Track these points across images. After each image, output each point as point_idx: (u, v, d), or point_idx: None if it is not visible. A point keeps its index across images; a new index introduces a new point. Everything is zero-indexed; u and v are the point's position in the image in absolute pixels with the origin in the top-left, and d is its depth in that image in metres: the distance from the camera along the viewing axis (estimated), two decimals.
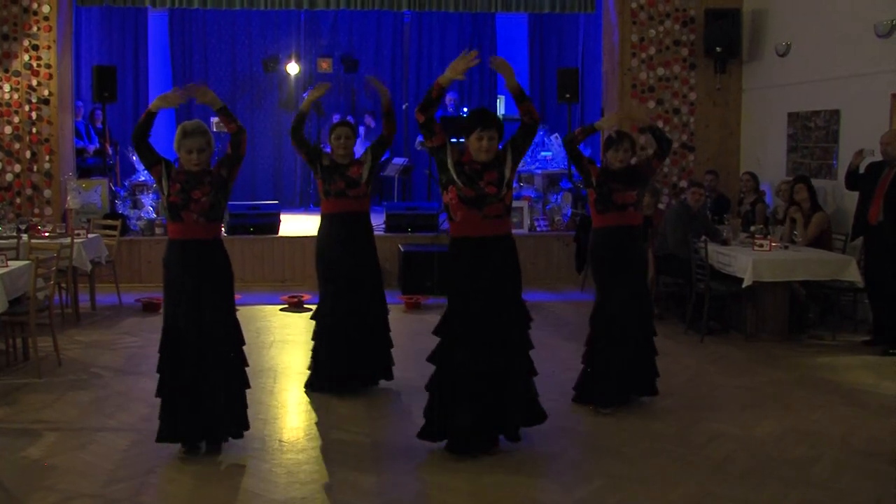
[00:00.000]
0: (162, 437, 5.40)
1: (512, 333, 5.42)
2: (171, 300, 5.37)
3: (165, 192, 5.29)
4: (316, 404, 6.53)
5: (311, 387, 6.79)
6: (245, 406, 5.55)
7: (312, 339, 6.79)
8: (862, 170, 8.67)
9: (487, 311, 5.32)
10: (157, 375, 5.42)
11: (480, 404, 5.34)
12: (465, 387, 5.32)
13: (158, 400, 5.42)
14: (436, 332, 5.45)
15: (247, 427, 5.55)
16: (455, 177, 5.26)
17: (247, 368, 5.57)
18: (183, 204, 5.25)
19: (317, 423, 6.11)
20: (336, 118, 14.36)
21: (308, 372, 6.91)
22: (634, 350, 6.40)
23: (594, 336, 6.49)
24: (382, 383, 6.84)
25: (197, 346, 5.29)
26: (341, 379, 6.66)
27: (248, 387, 5.58)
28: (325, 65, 15.58)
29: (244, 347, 5.56)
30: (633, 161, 6.58)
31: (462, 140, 5.41)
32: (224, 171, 5.36)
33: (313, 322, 6.79)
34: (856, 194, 8.77)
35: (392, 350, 6.91)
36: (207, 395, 5.32)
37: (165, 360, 5.37)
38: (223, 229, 5.48)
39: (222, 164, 5.38)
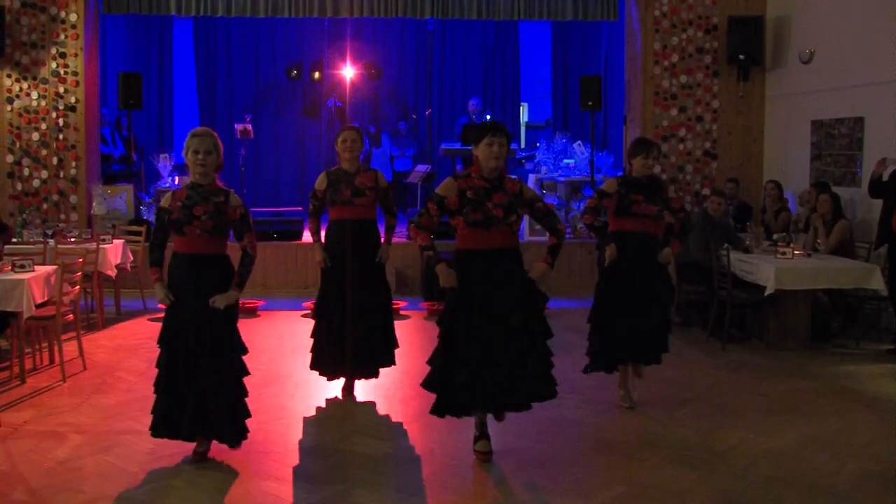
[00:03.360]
0: (156, 431, 5.39)
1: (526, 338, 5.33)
2: (172, 304, 5.32)
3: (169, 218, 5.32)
4: (337, 411, 6.58)
5: (311, 365, 6.96)
6: (244, 416, 5.47)
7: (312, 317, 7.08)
8: (885, 178, 8.62)
9: (491, 322, 5.26)
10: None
11: (483, 362, 5.23)
12: (466, 344, 5.26)
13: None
14: (438, 324, 5.49)
15: (244, 436, 5.46)
16: (460, 210, 5.24)
17: (245, 377, 5.52)
18: (185, 220, 5.23)
19: (338, 430, 6.14)
20: (356, 125, 14.41)
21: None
22: (640, 319, 6.41)
23: (595, 300, 6.63)
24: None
25: (194, 351, 5.27)
26: (331, 361, 6.82)
27: (246, 395, 5.51)
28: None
29: (245, 356, 5.51)
30: (658, 171, 6.59)
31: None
32: (234, 222, 5.34)
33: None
34: (880, 202, 8.72)
35: (395, 350, 6.98)
36: (202, 400, 5.28)
37: (162, 357, 5.38)
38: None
39: (237, 220, 5.35)
